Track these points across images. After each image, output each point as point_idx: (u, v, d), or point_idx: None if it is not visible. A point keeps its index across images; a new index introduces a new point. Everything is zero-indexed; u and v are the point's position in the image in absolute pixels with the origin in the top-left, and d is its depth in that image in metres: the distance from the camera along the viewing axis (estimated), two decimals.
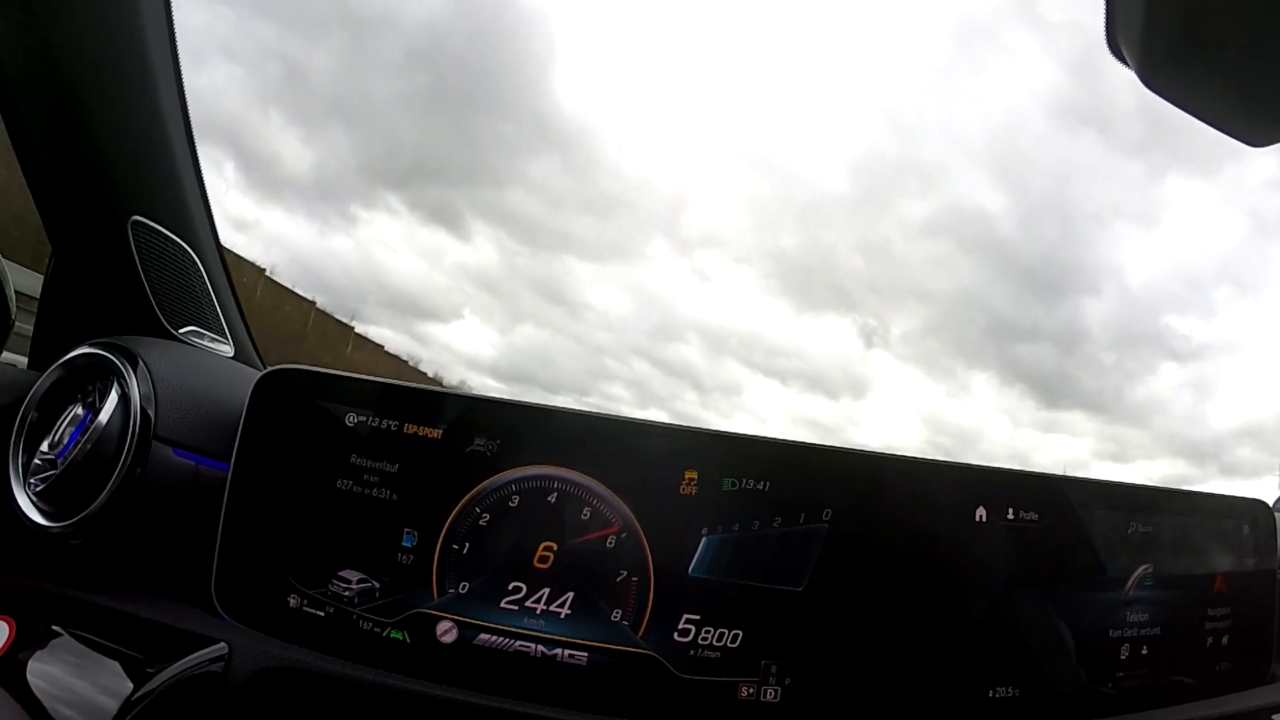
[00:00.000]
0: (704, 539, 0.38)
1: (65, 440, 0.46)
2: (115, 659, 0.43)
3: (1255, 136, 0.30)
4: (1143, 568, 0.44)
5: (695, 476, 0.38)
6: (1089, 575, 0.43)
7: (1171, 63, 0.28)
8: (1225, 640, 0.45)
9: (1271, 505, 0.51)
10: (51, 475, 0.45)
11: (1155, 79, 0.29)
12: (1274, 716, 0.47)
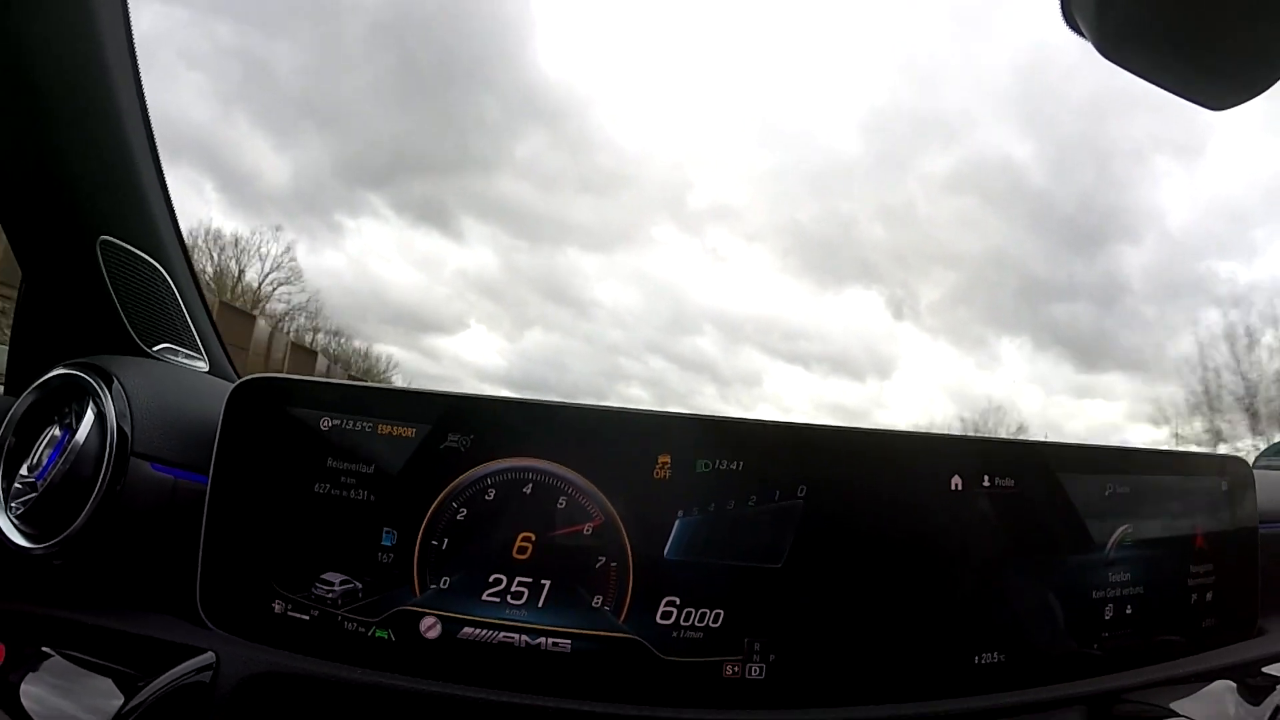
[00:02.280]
0: (678, 521, 0.38)
1: (44, 462, 0.46)
2: (106, 675, 0.43)
3: (1215, 101, 0.31)
4: (1122, 528, 0.44)
5: (669, 460, 0.38)
6: (1069, 538, 0.43)
7: (1127, 33, 0.29)
8: (1209, 596, 0.46)
9: (1251, 462, 0.52)
10: (31, 498, 0.45)
11: (1112, 50, 0.29)
12: (1263, 669, 0.48)
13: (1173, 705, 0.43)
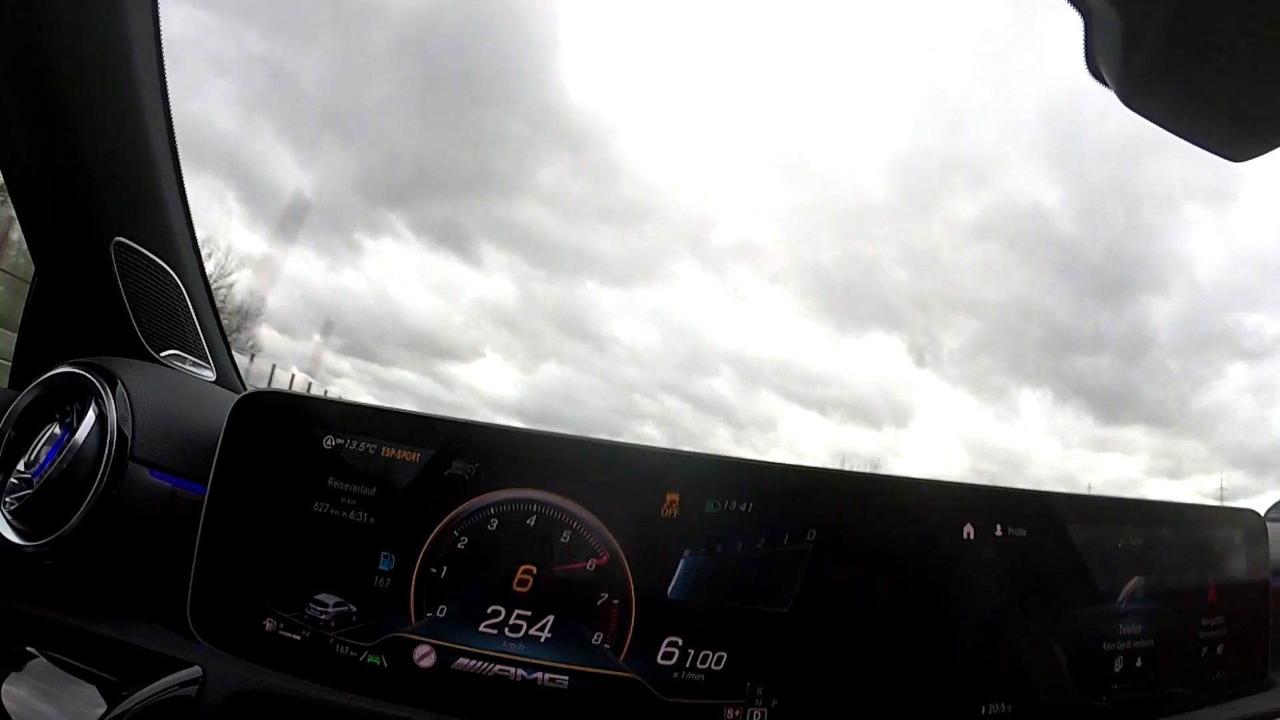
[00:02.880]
0: (683, 560, 0.37)
1: (42, 459, 0.45)
2: (89, 681, 0.42)
3: (1236, 152, 0.30)
4: (1134, 580, 0.44)
5: (677, 499, 0.38)
6: (1080, 589, 0.42)
7: (1150, 83, 0.28)
8: (1220, 649, 0.45)
9: (1264, 514, 0.51)
10: (27, 494, 0.44)
11: (1135, 99, 0.29)
12: None
13: None
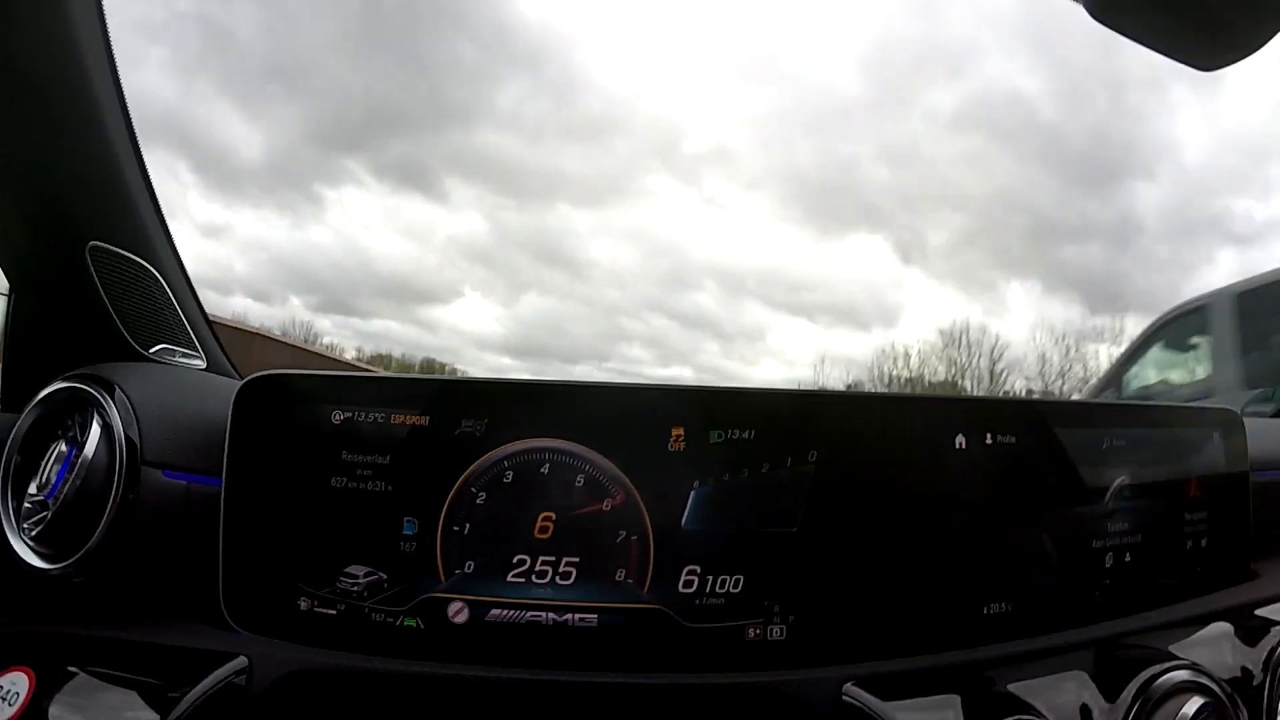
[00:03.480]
0: (694, 491, 0.39)
1: (53, 480, 0.45)
2: (135, 689, 0.43)
3: (1204, 61, 0.31)
4: (1119, 479, 0.46)
5: (682, 432, 0.39)
6: (1069, 490, 0.45)
7: None
8: (1204, 542, 0.48)
9: (1242, 409, 0.53)
10: (44, 517, 0.44)
11: (1104, 13, 0.30)
12: (1257, 611, 0.50)
13: (1172, 648, 0.45)
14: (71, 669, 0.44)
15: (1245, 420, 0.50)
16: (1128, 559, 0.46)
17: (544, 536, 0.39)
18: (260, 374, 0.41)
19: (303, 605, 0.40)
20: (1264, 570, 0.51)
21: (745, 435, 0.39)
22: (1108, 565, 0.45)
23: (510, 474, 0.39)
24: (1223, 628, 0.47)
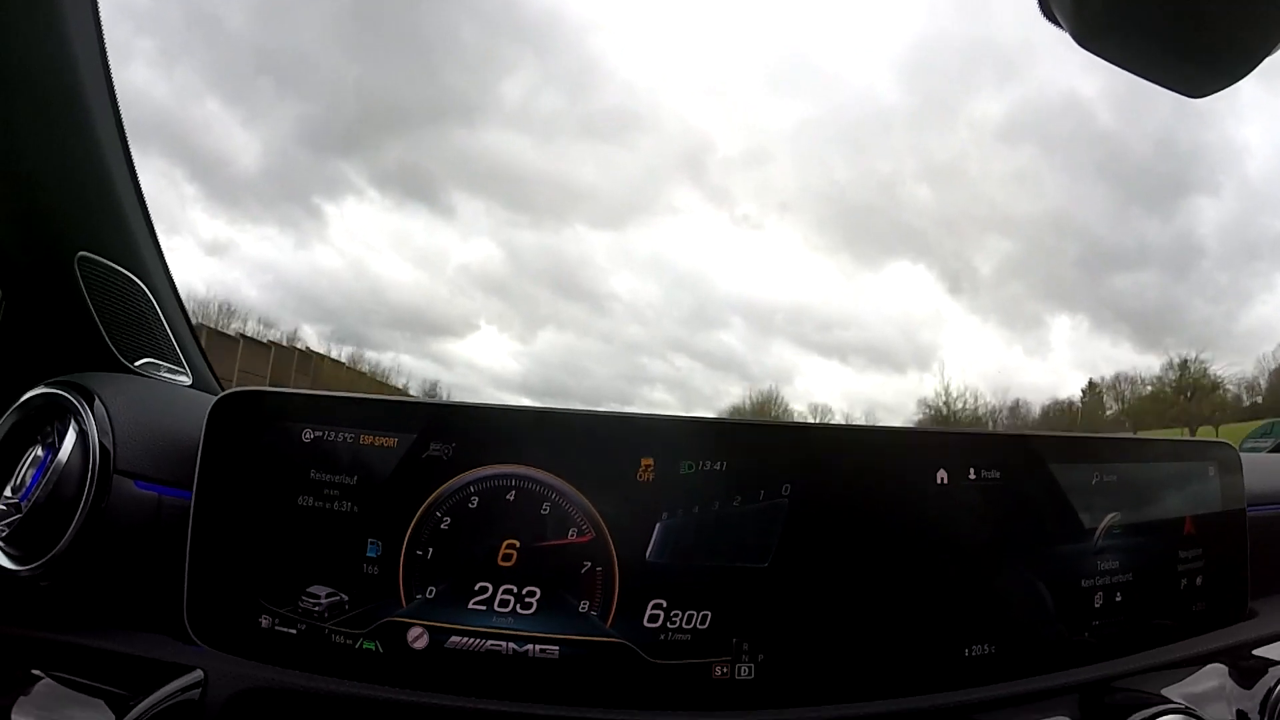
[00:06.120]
0: (659, 523, 0.38)
1: (28, 483, 0.46)
2: (97, 696, 0.43)
3: (1192, 89, 0.31)
4: (1110, 516, 0.45)
5: (652, 463, 0.38)
6: (1057, 528, 0.43)
7: (1104, 24, 0.29)
8: (1199, 580, 0.46)
9: (1240, 444, 0.52)
10: (16, 519, 0.45)
11: (1090, 40, 0.29)
12: (1254, 651, 0.48)
13: (1165, 691, 0.43)
14: (35, 671, 0.44)
15: (1242, 455, 0.49)
16: (1118, 598, 0.44)
17: (507, 564, 0.38)
18: (235, 390, 0.41)
19: (264, 623, 0.39)
20: (1261, 609, 0.50)
21: (717, 467, 0.39)
22: (1097, 605, 0.44)
23: (476, 499, 0.38)
24: (1218, 669, 0.46)
